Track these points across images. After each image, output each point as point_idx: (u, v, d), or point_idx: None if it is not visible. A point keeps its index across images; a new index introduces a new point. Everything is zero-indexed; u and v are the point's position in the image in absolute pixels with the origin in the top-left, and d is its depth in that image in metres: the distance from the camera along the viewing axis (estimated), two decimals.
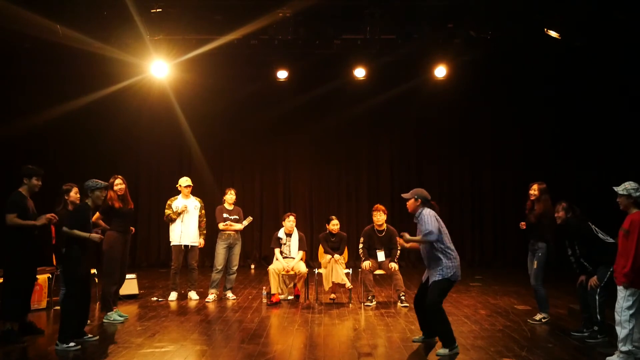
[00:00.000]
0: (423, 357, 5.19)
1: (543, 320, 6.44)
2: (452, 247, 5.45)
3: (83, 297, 5.75)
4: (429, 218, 5.39)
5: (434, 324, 5.43)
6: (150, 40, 9.29)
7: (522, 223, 6.68)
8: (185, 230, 8.07)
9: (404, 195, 5.69)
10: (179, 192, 8.30)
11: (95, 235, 5.76)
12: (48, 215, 5.93)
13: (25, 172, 5.93)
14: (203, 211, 8.28)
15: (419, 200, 5.57)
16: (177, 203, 8.14)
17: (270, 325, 6.49)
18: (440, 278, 5.34)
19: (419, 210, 5.53)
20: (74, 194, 6.38)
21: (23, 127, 10.28)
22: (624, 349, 4.84)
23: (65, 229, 5.61)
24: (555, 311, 7.02)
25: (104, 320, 6.55)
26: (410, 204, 5.62)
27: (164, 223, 8.52)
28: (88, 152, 11.55)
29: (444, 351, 5.20)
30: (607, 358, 4.94)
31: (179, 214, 8.03)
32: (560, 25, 9.03)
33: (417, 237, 5.42)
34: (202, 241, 8.24)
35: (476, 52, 10.04)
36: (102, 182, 5.92)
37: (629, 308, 4.83)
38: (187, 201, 8.17)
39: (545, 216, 6.36)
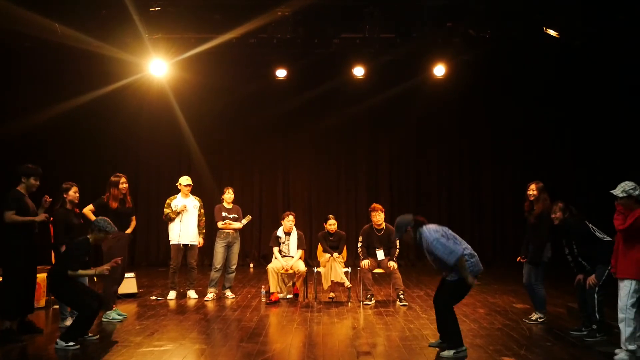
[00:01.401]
0: (422, 356, 5.19)
1: (539, 320, 6.44)
2: (466, 246, 5.17)
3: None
4: (440, 243, 5.01)
5: (443, 322, 5.30)
6: (149, 39, 9.31)
7: (519, 258, 6.69)
8: (184, 230, 8.06)
9: (395, 238, 5.42)
10: (178, 191, 8.30)
11: (101, 268, 5.76)
12: (45, 215, 5.92)
13: (23, 171, 5.91)
14: (202, 210, 8.27)
15: (408, 228, 5.25)
16: (176, 202, 8.13)
17: (269, 324, 6.49)
18: (457, 278, 5.11)
19: (417, 235, 5.22)
20: (73, 193, 6.37)
21: (22, 126, 10.26)
22: (631, 347, 4.82)
23: (70, 272, 5.56)
24: (554, 310, 7.02)
25: (103, 319, 6.54)
26: (406, 239, 5.35)
27: (163, 222, 8.52)
28: (87, 151, 11.55)
29: (448, 353, 5.11)
30: (616, 354, 4.90)
31: (177, 214, 8.02)
32: (560, 25, 9.04)
33: (463, 272, 4.98)
34: (201, 240, 8.23)
35: (475, 51, 10.07)
36: (113, 227, 5.84)
37: (632, 305, 4.80)
38: (186, 200, 8.16)
39: (545, 215, 6.33)
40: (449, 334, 5.22)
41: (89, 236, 5.79)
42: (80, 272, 5.61)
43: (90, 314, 5.59)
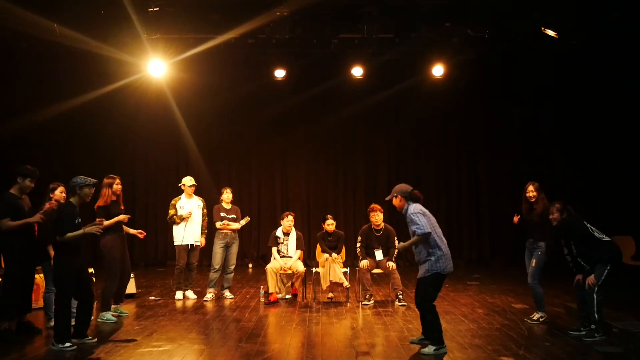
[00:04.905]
0: (420, 357, 5.19)
1: (540, 320, 6.43)
2: (443, 241, 5.38)
3: (82, 297, 5.63)
4: (417, 216, 5.32)
5: (422, 321, 5.42)
6: (147, 39, 9.30)
7: (516, 217, 6.65)
8: (189, 230, 8.03)
9: (387, 198, 5.65)
10: (180, 192, 8.26)
11: (92, 228, 5.54)
12: (40, 214, 5.87)
13: (21, 171, 5.87)
14: (205, 210, 8.27)
15: (399, 196, 5.52)
16: (181, 203, 8.11)
17: (268, 324, 6.49)
18: (428, 274, 5.29)
19: (405, 207, 5.48)
20: (59, 193, 6.24)
21: (19, 126, 10.25)
22: None
23: (58, 238, 5.41)
24: (553, 310, 7.03)
25: (98, 320, 6.54)
26: (395, 203, 5.56)
27: (162, 222, 8.52)
28: (85, 151, 11.53)
29: (428, 350, 5.17)
30: None
31: (183, 219, 8.00)
32: (558, 24, 9.05)
33: (410, 241, 5.37)
34: (203, 240, 8.22)
35: (474, 50, 10.07)
36: (91, 179, 5.67)
37: None
38: (190, 201, 8.15)
39: (546, 214, 6.31)
40: (430, 330, 5.30)
41: (70, 199, 5.62)
42: (69, 235, 5.39)
43: (66, 302, 5.43)
